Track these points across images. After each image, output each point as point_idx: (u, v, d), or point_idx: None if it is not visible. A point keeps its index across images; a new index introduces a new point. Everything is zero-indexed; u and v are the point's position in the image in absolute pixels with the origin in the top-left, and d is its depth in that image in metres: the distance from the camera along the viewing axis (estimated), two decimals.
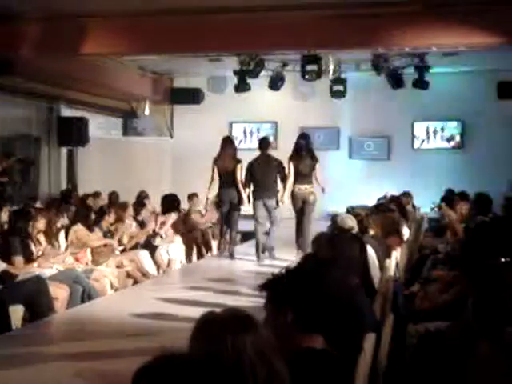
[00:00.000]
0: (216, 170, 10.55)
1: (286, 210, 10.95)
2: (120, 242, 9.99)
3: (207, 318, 2.08)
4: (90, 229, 9.36)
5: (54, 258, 8.11)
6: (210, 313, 2.10)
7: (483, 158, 16.02)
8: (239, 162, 10.55)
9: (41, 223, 8.28)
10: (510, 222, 5.86)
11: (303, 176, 10.47)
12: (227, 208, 10.59)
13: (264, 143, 10.81)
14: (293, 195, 10.52)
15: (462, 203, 9.62)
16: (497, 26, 9.94)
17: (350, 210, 9.54)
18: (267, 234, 10.40)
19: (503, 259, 3.07)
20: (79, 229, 9.18)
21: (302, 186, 10.44)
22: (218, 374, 1.83)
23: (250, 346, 1.96)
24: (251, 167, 10.49)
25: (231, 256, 10.45)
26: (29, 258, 7.62)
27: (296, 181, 10.46)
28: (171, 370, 1.77)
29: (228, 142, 10.91)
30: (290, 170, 10.48)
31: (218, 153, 10.69)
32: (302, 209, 10.49)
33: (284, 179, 10.49)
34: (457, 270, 5.15)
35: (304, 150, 10.60)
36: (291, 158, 10.58)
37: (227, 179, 10.46)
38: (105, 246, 9.13)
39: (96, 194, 12.65)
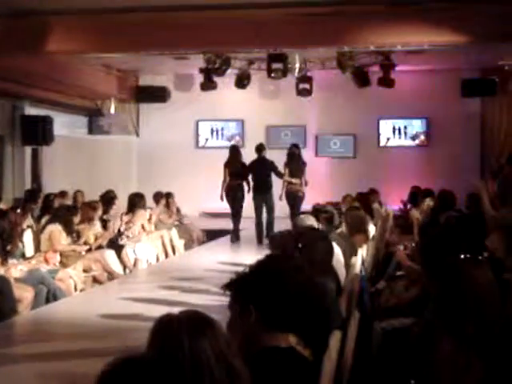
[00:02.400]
0: (227, 172, 12.86)
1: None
2: (86, 242, 9.89)
3: (164, 320, 2.07)
4: (68, 232, 9.24)
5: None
6: (166, 315, 2.09)
7: (448, 156, 16.21)
8: (245, 165, 12.94)
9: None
10: (473, 218, 5.93)
11: (294, 177, 12.95)
12: (234, 203, 12.80)
13: (260, 148, 13.11)
14: (287, 192, 12.95)
15: (426, 200, 9.73)
16: (460, 25, 10.07)
17: (317, 208, 9.58)
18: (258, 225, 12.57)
19: (463, 255, 3.10)
20: (55, 229, 9.05)
21: (294, 185, 12.92)
22: (176, 376, 1.82)
23: (207, 346, 1.96)
24: (249, 168, 12.85)
25: (237, 238, 12.72)
26: (3, 259, 7.54)
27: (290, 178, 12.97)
28: (129, 374, 1.76)
29: (235, 149, 13.36)
30: (286, 173, 12.96)
31: (228, 158, 13.07)
32: (293, 203, 12.91)
33: (278, 175, 12.88)
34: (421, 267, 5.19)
35: (295, 157, 13.21)
36: (286, 164, 13.06)
37: (235, 179, 12.75)
38: (73, 250, 9.06)
39: (62, 194, 12.51)
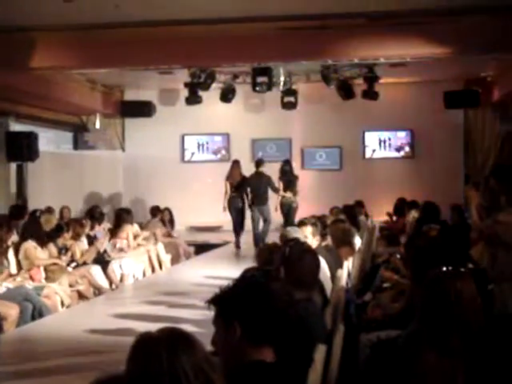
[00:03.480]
0: (228, 185, 13.74)
1: None
2: (73, 259, 9.85)
3: (142, 338, 2.09)
4: (43, 245, 9.20)
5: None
6: (145, 333, 2.10)
7: (432, 167, 16.29)
8: (245, 178, 13.74)
9: None
10: (456, 229, 5.96)
11: (288, 189, 13.97)
12: (236, 212, 13.69)
13: (258, 163, 13.90)
14: (281, 203, 13.88)
15: (412, 212, 9.78)
16: (441, 38, 10.17)
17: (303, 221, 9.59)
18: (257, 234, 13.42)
19: (445, 268, 3.13)
20: (29, 246, 8.99)
21: (288, 196, 13.94)
22: None
23: (186, 363, 1.97)
24: (248, 181, 13.66)
25: (237, 247, 13.52)
26: None
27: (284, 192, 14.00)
28: None
29: (236, 163, 14.08)
30: (280, 186, 13.89)
31: (229, 172, 13.92)
32: (287, 213, 13.84)
33: (275, 190, 13.72)
34: (406, 279, 5.22)
35: (288, 171, 14.26)
36: (279, 178, 14.07)
37: (236, 191, 13.66)
38: (55, 264, 9.00)
39: (49, 210, 12.46)
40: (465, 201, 12.48)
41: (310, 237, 6.90)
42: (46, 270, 8.80)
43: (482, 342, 2.88)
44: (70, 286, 8.98)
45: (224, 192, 13.80)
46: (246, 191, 13.70)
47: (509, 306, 5.18)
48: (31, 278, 8.41)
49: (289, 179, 14.19)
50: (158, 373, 1.93)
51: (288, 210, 13.92)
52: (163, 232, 13.15)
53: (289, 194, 13.94)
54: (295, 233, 6.61)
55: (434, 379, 2.78)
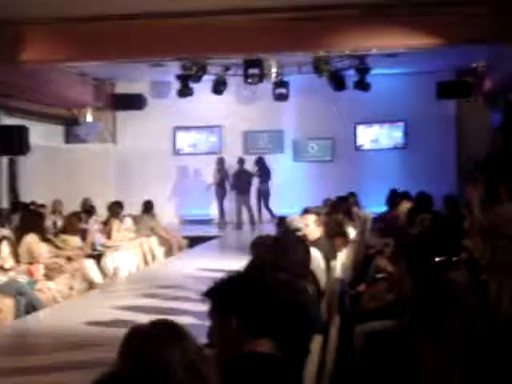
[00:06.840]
0: (217, 177, 16.06)
1: None
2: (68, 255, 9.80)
3: (131, 332, 2.08)
4: (43, 239, 9.13)
5: None
6: (134, 326, 2.10)
7: (425, 158, 16.31)
8: (227, 173, 16.35)
9: None
10: (450, 221, 5.96)
11: (264, 179, 16.40)
12: (221, 199, 16.28)
13: (242, 160, 16.11)
14: (259, 191, 16.45)
15: (403, 202, 9.79)
16: (434, 29, 10.17)
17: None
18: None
19: (438, 258, 3.12)
20: (33, 240, 8.90)
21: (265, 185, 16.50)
22: None
23: (174, 355, 1.97)
24: (234, 175, 16.10)
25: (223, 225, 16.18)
26: None
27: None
28: None
29: (221, 159, 16.36)
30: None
31: (217, 166, 16.14)
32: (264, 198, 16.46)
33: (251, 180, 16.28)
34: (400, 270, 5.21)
35: (264, 165, 16.40)
36: (258, 170, 16.43)
37: (222, 183, 16.21)
38: (55, 262, 8.96)
39: (40, 206, 12.41)
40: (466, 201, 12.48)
41: (312, 225, 6.79)
42: (46, 267, 8.76)
43: (478, 333, 2.88)
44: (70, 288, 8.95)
45: (212, 183, 16.27)
46: (229, 183, 16.10)
47: (503, 302, 5.17)
48: (30, 274, 8.38)
49: (265, 172, 16.43)
50: (147, 367, 1.93)
51: (265, 196, 16.39)
52: (158, 226, 13.05)
53: (265, 185, 16.46)
54: (296, 222, 6.58)
55: (430, 371, 2.78)
